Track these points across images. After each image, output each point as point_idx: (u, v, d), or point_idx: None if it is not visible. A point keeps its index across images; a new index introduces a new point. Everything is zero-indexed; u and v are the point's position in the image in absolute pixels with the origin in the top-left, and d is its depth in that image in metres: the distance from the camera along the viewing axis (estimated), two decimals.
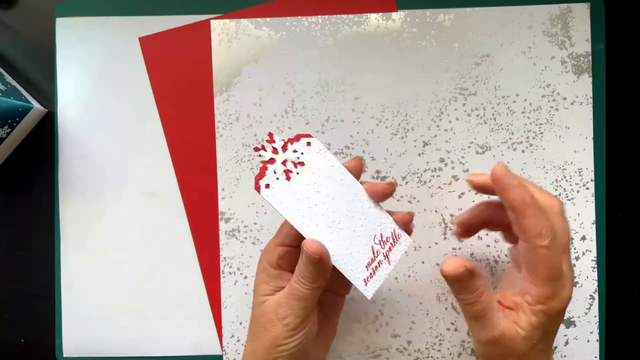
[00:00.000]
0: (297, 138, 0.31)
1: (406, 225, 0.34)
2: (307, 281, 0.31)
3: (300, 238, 0.32)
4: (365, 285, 0.32)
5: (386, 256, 0.32)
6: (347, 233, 0.31)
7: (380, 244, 0.32)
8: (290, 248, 0.33)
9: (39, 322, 0.43)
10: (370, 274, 0.32)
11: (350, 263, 0.32)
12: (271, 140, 0.31)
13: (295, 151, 0.31)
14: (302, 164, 0.31)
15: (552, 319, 0.30)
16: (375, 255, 0.32)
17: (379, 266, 0.32)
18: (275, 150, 0.31)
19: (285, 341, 0.32)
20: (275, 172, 0.31)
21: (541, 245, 0.29)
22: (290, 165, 0.31)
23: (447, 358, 0.42)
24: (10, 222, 0.43)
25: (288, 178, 0.31)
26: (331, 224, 0.31)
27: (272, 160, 0.31)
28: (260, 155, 0.31)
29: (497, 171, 0.30)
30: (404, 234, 0.33)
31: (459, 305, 0.33)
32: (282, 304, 0.32)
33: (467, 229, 0.36)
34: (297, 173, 0.31)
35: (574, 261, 0.41)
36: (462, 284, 0.31)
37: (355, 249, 0.32)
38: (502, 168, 0.30)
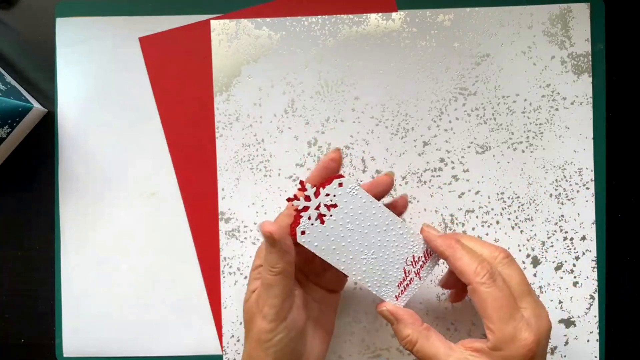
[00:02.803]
0: (329, 181, 0.32)
1: (402, 208, 0.35)
2: (269, 265, 0.31)
3: (291, 304, 0.33)
4: (397, 300, 0.34)
5: (417, 273, 0.35)
6: (380, 260, 0.34)
7: (412, 264, 0.34)
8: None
9: (39, 322, 0.43)
10: (402, 291, 0.34)
11: (383, 285, 0.34)
12: (303, 189, 0.31)
13: (327, 195, 0.32)
14: (334, 206, 0.32)
15: None
16: (407, 274, 0.34)
17: (410, 283, 0.34)
18: (307, 198, 0.32)
19: (268, 335, 0.32)
20: (309, 219, 0.32)
21: (480, 282, 0.30)
22: (323, 210, 0.32)
23: None
24: (10, 222, 0.43)
25: (322, 222, 0.32)
26: (365, 256, 0.33)
27: (305, 208, 0.32)
28: (293, 205, 0.32)
29: (423, 229, 0.34)
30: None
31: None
32: (259, 295, 0.32)
33: (452, 288, 0.38)
34: (331, 216, 0.32)
35: (574, 261, 0.41)
36: (392, 326, 0.34)
37: (388, 273, 0.34)
38: (426, 226, 0.34)
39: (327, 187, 0.32)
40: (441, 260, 0.34)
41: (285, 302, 0.32)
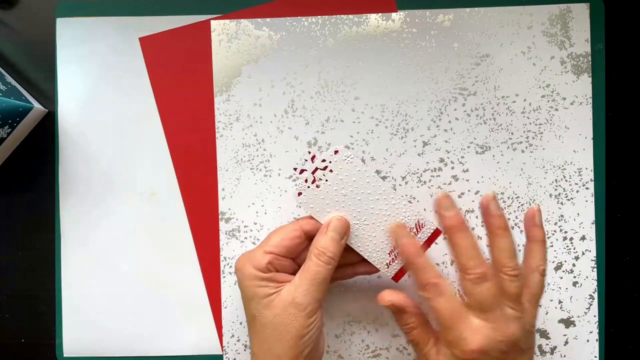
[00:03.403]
0: (329, 151, 0.35)
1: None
2: (330, 257, 0.33)
3: (292, 251, 0.35)
4: (388, 268, 0.36)
5: None
6: (373, 228, 0.36)
7: None
8: (279, 256, 0.35)
9: (39, 322, 0.43)
10: (393, 259, 0.36)
11: (374, 251, 0.36)
12: (305, 157, 0.36)
13: (324, 160, 0.35)
14: (330, 171, 0.35)
15: None
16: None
17: (393, 239, 0.36)
18: (307, 163, 0.35)
19: (308, 329, 0.33)
20: (306, 182, 0.35)
21: (425, 297, 0.33)
22: (319, 174, 0.35)
23: None
24: (11, 222, 0.43)
25: (317, 186, 0.35)
26: (357, 222, 0.36)
27: (302, 171, 0.35)
28: (295, 169, 0.36)
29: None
30: (428, 223, 0.36)
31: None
32: (300, 293, 0.33)
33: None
34: (326, 180, 0.35)
35: (574, 261, 0.41)
36: (395, 315, 0.36)
37: (379, 240, 0.36)
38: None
39: (323, 153, 0.35)
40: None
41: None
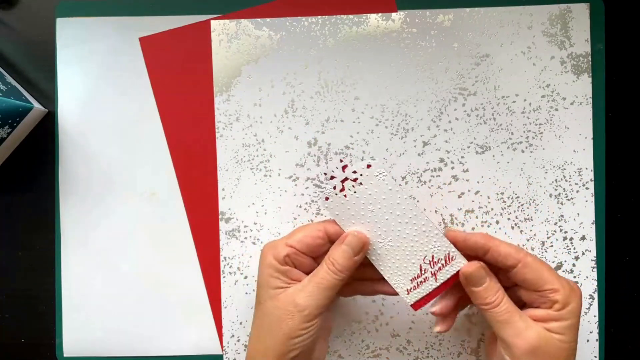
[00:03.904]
0: (362, 164, 0.35)
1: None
2: (338, 270, 0.33)
3: (312, 250, 0.34)
4: (408, 294, 0.35)
5: (434, 274, 0.35)
6: (396, 250, 0.34)
7: (430, 264, 0.35)
8: (299, 252, 0.34)
9: (39, 322, 0.43)
10: (414, 286, 0.35)
11: (395, 274, 0.35)
12: (337, 165, 0.35)
13: (354, 172, 0.34)
14: (360, 184, 0.34)
15: (578, 318, 0.32)
16: (422, 272, 0.35)
17: (424, 282, 0.35)
18: (337, 170, 0.35)
19: (301, 332, 0.32)
20: (334, 188, 0.34)
21: (529, 255, 0.33)
22: (348, 184, 0.34)
23: (446, 358, 0.42)
24: (10, 222, 0.43)
25: (345, 195, 0.34)
26: (382, 241, 0.35)
27: (332, 177, 0.34)
28: (325, 174, 0.36)
29: (449, 231, 0.35)
30: (459, 257, 0.34)
31: (485, 318, 0.34)
32: (303, 295, 0.33)
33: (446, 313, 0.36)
34: (355, 192, 0.34)
35: (574, 261, 0.41)
36: (481, 286, 0.33)
37: (402, 264, 0.35)
38: (452, 229, 0.35)
39: (355, 164, 0.34)
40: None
41: (330, 303, 0.34)
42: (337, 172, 0.34)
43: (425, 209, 0.41)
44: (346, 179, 0.34)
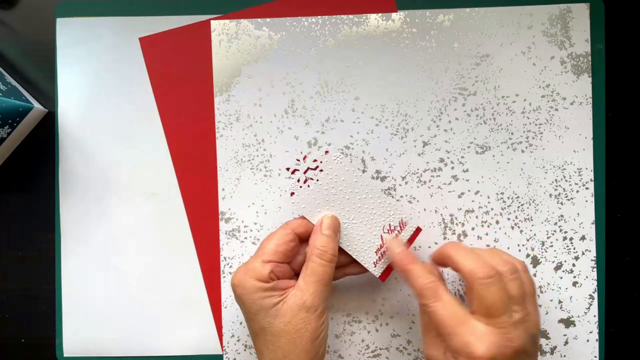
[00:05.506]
0: (320, 151, 0.37)
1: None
2: (332, 255, 0.34)
3: (288, 255, 0.35)
4: (375, 267, 0.37)
5: None
6: (360, 226, 0.37)
7: (388, 232, 0.37)
8: (279, 263, 0.35)
9: (39, 322, 0.43)
10: (379, 257, 0.37)
11: (361, 250, 0.37)
12: (297, 157, 0.37)
13: (314, 160, 0.36)
14: (321, 170, 0.36)
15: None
16: (384, 242, 0.37)
17: (387, 251, 0.37)
18: (299, 162, 0.37)
19: (320, 329, 0.33)
20: (298, 181, 0.37)
21: (423, 304, 0.33)
22: (310, 174, 0.37)
23: None
24: (11, 222, 0.43)
25: (309, 185, 0.36)
26: (346, 221, 0.37)
27: (294, 171, 0.37)
28: (287, 169, 0.39)
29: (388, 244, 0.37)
30: (410, 221, 0.37)
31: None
32: (309, 296, 0.33)
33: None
34: (317, 180, 0.37)
35: (573, 261, 0.41)
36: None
37: (366, 239, 0.37)
38: (391, 241, 0.37)
39: (314, 153, 0.37)
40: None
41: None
42: (300, 165, 0.37)
43: (425, 209, 0.42)
44: (308, 168, 0.36)
